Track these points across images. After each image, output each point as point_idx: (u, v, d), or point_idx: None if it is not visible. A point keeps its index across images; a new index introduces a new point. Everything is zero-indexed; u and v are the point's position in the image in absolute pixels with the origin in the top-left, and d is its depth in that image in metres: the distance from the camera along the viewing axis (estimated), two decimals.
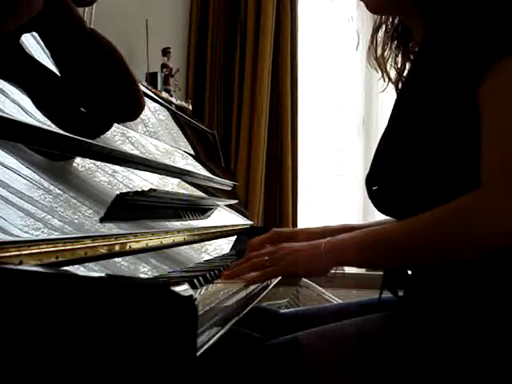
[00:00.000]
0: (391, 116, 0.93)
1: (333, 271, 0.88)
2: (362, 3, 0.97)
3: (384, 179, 0.90)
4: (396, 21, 1.03)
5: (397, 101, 0.95)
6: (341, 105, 2.89)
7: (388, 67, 1.05)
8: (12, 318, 0.54)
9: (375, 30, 1.05)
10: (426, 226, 0.78)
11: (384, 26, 1.04)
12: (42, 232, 0.67)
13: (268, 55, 2.70)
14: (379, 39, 1.05)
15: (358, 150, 2.83)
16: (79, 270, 0.73)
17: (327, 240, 0.87)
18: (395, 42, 1.04)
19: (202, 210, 1.39)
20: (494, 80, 0.77)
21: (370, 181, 0.93)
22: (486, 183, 0.75)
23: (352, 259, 0.85)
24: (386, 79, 1.06)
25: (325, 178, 2.89)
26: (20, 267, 0.59)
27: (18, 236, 0.62)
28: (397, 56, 1.04)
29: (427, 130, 0.84)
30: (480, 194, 0.75)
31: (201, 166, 1.56)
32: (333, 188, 2.88)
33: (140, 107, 1.05)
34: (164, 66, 2.41)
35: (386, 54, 1.04)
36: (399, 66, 1.04)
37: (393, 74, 1.06)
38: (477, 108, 0.78)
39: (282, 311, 1.20)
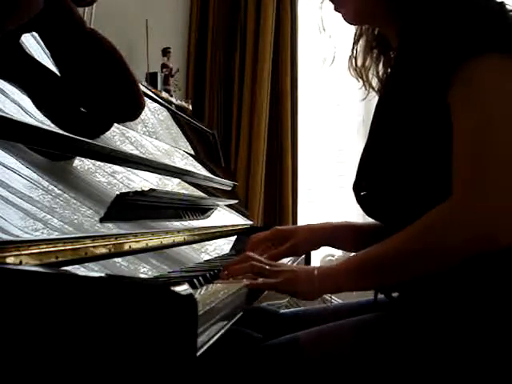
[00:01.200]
0: (372, 122, 0.95)
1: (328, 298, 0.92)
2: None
3: (370, 185, 0.91)
4: (376, 31, 1.04)
5: (377, 107, 0.96)
6: (341, 105, 2.89)
7: (370, 76, 1.07)
8: (12, 318, 0.54)
9: (355, 41, 1.07)
10: (404, 246, 0.81)
11: (364, 37, 1.05)
12: (42, 232, 0.67)
13: (268, 55, 2.70)
14: (359, 49, 1.07)
15: (357, 150, 2.82)
16: (79, 270, 0.73)
17: (319, 267, 0.88)
18: (375, 52, 1.05)
19: (202, 210, 1.39)
20: (460, 84, 0.79)
21: (357, 187, 0.95)
22: (457, 192, 0.77)
23: (342, 286, 0.87)
24: (368, 88, 1.08)
25: (325, 178, 2.89)
26: (20, 267, 0.59)
27: (17, 236, 0.62)
28: (378, 65, 1.05)
29: (407, 136, 0.85)
30: (450, 204, 0.77)
31: (201, 166, 1.56)
32: (333, 188, 2.88)
33: (140, 107, 1.05)
34: (164, 66, 2.40)
35: (367, 63, 1.06)
36: (380, 74, 1.05)
37: (375, 82, 1.07)
38: (449, 112, 0.80)
39: (282, 311, 1.20)
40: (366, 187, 0.93)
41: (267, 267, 0.91)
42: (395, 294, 0.96)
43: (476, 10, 0.80)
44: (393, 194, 0.88)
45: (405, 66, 0.88)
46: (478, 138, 0.77)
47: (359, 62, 1.07)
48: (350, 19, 0.98)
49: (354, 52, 1.07)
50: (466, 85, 0.78)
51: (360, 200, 0.94)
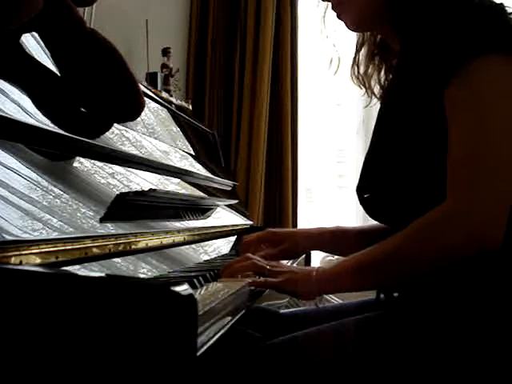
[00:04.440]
0: (375, 126, 0.95)
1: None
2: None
3: (374, 187, 0.92)
4: (377, 38, 1.05)
5: (380, 111, 0.97)
6: (341, 105, 2.89)
7: (372, 83, 1.08)
8: (12, 318, 0.54)
9: (357, 49, 1.08)
10: (399, 247, 0.83)
11: (366, 44, 1.07)
12: (42, 232, 0.67)
13: (268, 55, 2.70)
14: (361, 57, 1.08)
15: (357, 150, 2.83)
16: (79, 270, 0.73)
17: (318, 268, 0.90)
18: (377, 59, 1.07)
19: (202, 210, 1.39)
20: (458, 85, 0.79)
21: (360, 189, 0.95)
22: (451, 196, 0.79)
23: (340, 287, 0.91)
24: (371, 95, 1.10)
25: (325, 178, 2.89)
26: (20, 267, 0.59)
27: (17, 236, 0.62)
28: (379, 72, 1.06)
29: (409, 139, 0.86)
30: (444, 208, 0.79)
31: (201, 166, 1.56)
32: (333, 188, 2.88)
33: (140, 107, 1.05)
34: (164, 65, 2.40)
35: (369, 71, 1.07)
36: (382, 81, 1.06)
37: (377, 89, 1.08)
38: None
39: (282, 311, 1.20)
40: (369, 189, 0.93)
41: (268, 267, 0.92)
42: (396, 294, 0.96)
43: (476, 11, 0.80)
44: (395, 197, 0.89)
45: (406, 69, 0.89)
46: (473, 141, 0.78)
47: (362, 70, 1.08)
48: (352, 26, 1.00)
49: (357, 60, 1.09)
50: (464, 87, 0.79)
51: (363, 202, 0.95)
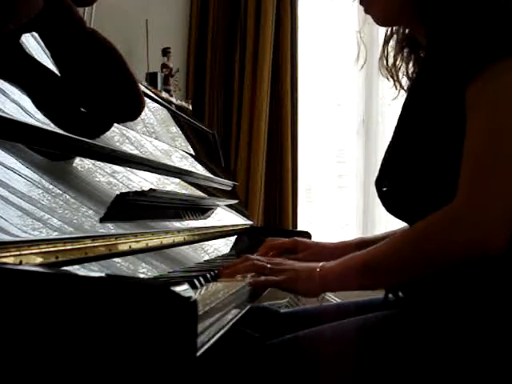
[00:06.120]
0: (399, 118, 0.94)
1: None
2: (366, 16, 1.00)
3: (393, 181, 0.91)
4: (406, 31, 1.05)
5: (405, 104, 0.96)
6: (341, 105, 2.89)
7: (400, 76, 1.07)
8: (12, 318, 0.54)
9: (386, 41, 1.08)
10: (403, 248, 0.83)
11: (395, 37, 1.06)
12: (42, 232, 0.67)
13: (268, 55, 2.70)
14: (390, 49, 1.08)
15: (357, 150, 2.83)
16: (79, 270, 0.73)
17: (322, 265, 0.90)
18: (406, 51, 1.06)
19: (202, 210, 1.39)
20: (482, 84, 0.79)
21: (379, 182, 0.95)
22: (461, 197, 0.78)
23: (344, 285, 0.90)
24: (399, 87, 1.09)
25: (325, 178, 2.89)
26: (20, 267, 0.59)
27: (17, 236, 0.62)
28: (408, 64, 1.06)
29: (431, 134, 0.85)
30: (450, 209, 0.79)
31: (201, 166, 1.56)
32: (333, 188, 2.88)
33: (140, 107, 1.05)
34: (164, 65, 2.40)
35: (397, 63, 1.07)
36: (410, 73, 1.06)
37: (404, 81, 1.08)
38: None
39: (282, 311, 1.20)
40: (388, 183, 0.93)
41: (268, 265, 0.92)
42: (401, 294, 0.96)
43: (505, 10, 0.79)
44: (415, 191, 0.88)
45: (431, 64, 0.88)
46: (487, 142, 0.77)
47: (390, 62, 1.08)
48: (379, 21, 1.00)
49: (385, 52, 1.08)
50: (487, 86, 0.78)
51: (381, 195, 0.95)
